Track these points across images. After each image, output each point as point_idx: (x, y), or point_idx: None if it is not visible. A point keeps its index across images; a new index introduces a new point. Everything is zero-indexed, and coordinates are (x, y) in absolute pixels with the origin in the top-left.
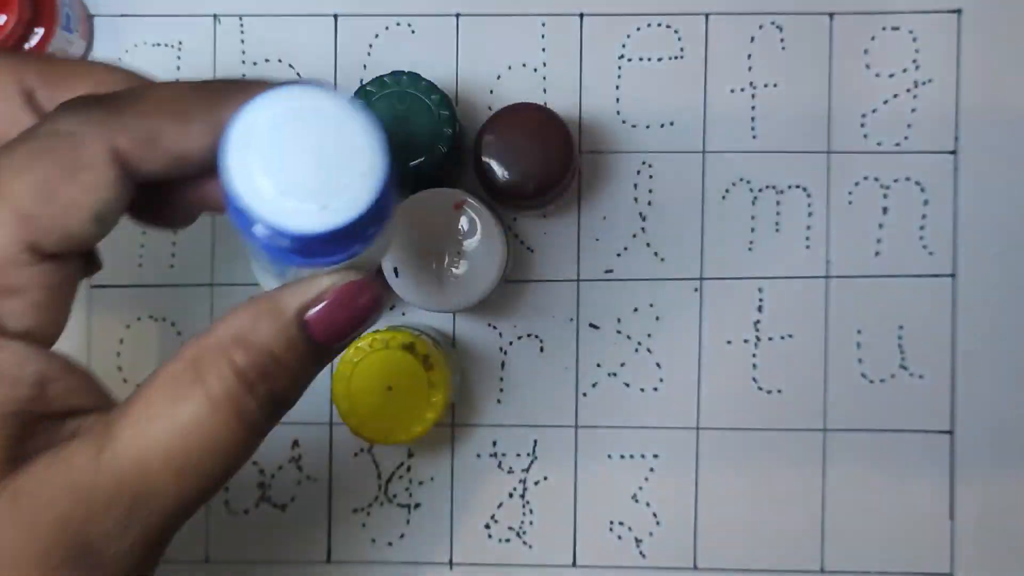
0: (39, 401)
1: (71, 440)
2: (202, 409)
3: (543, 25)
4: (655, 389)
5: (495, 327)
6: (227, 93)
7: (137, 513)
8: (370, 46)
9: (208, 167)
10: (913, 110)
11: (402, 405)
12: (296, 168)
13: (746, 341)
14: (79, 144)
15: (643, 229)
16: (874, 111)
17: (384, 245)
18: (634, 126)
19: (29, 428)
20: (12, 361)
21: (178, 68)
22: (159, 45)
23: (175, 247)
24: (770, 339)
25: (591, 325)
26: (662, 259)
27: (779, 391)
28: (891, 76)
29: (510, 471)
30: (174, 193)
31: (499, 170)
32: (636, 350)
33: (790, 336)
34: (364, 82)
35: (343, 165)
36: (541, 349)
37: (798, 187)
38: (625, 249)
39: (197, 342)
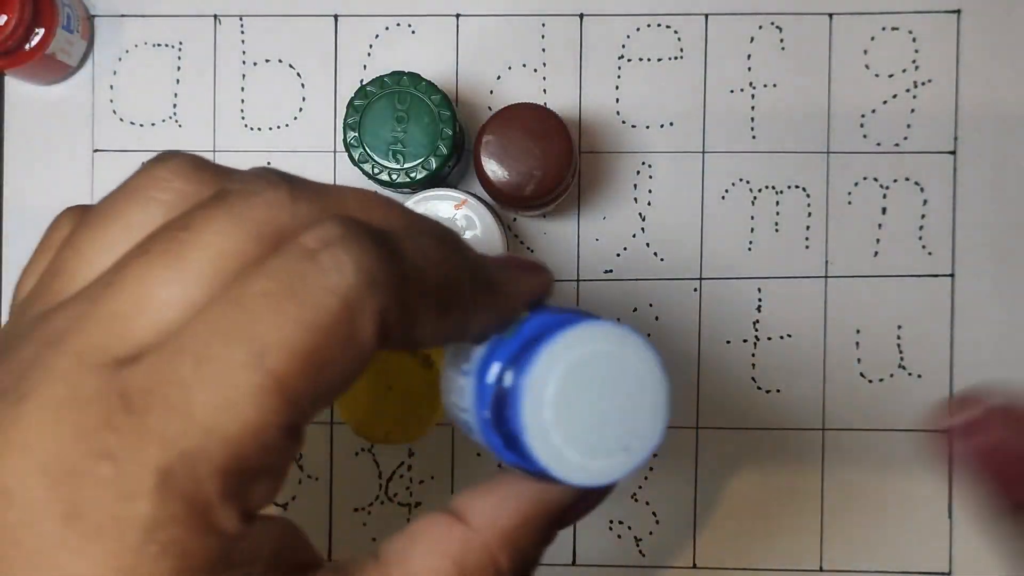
0: (274, 571)
1: None
2: None
3: (543, 26)
4: None
5: None
6: (493, 292)
7: None
8: (370, 46)
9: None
10: (912, 110)
11: (402, 405)
12: (596, 424)
13: (745, 341)
14: (357, 316)
15: (643, 229)
16: (873, 111)
17: None
18: (634, 126)
19: None
20: (254, 546)
21: (178, 68)
22: (159, 45)
23: None
24: (769, 339)
25: None
26: (662, 259)
27: (778, 391)
28: (890, 76)
29: None
30: None
31: (499, 170)
32: None
33: (789, 336)
34: (364, 82)
35: (637, 408)
36: None
37: (797, 187)
38: (625, 249)
39: (461, 536)
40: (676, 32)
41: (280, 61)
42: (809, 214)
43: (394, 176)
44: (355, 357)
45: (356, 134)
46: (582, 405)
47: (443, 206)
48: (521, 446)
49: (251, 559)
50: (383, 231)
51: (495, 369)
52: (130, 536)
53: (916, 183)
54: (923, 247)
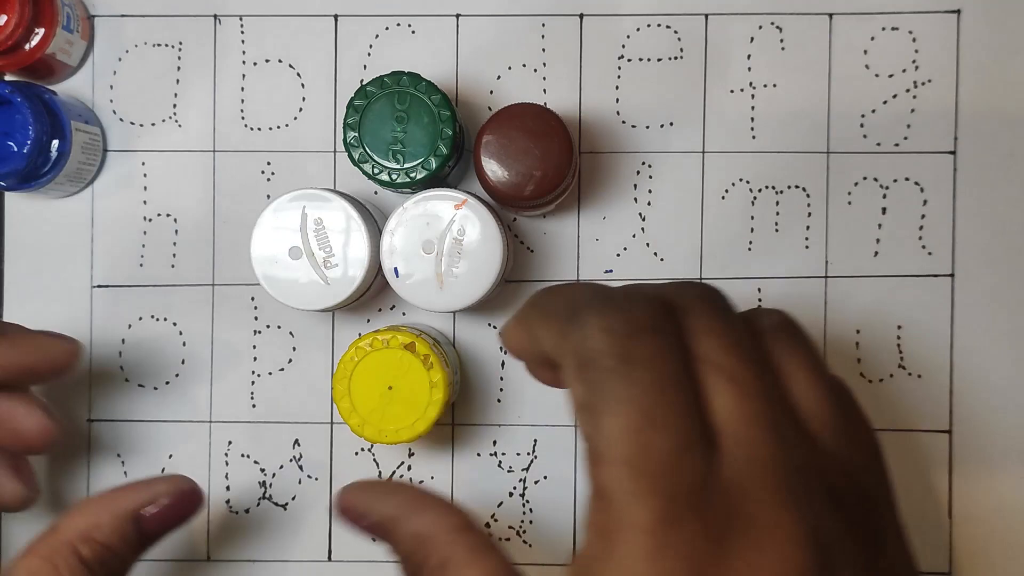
0: None
1: None
2: None
3: (543, 26)
4: None
5: (495, 327)
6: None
7: None
8: (370, 46)
9: None
10: (912, 110)
11: (403, 404)
12: None
13: None
14: None
15: (643, 229)
16: (873, 111)
17: None
18: (634, 126)
19: None
20: None
21: (178, 68)
22: (159, 45)
23: (176, 247)
24: None
25: None
26: (662, 259)
27: None
28: (890, 76)
29: (510, 471)
30: None
31: (499, 170)
32: None
33: None
34: (364, 82)
35: None
36: None
37: (797, 187)
38: (625, 249)
39: (48, 539)
40: (676, 32)
41: (280, 61)
42: (809, 214)
43: (394, 176)
44: None
45: (356, 134)
46: None
47: (443, 206)
48: None
49: None
50: None
51: None
52: None
53: (916, 183)
54: (923, 247)
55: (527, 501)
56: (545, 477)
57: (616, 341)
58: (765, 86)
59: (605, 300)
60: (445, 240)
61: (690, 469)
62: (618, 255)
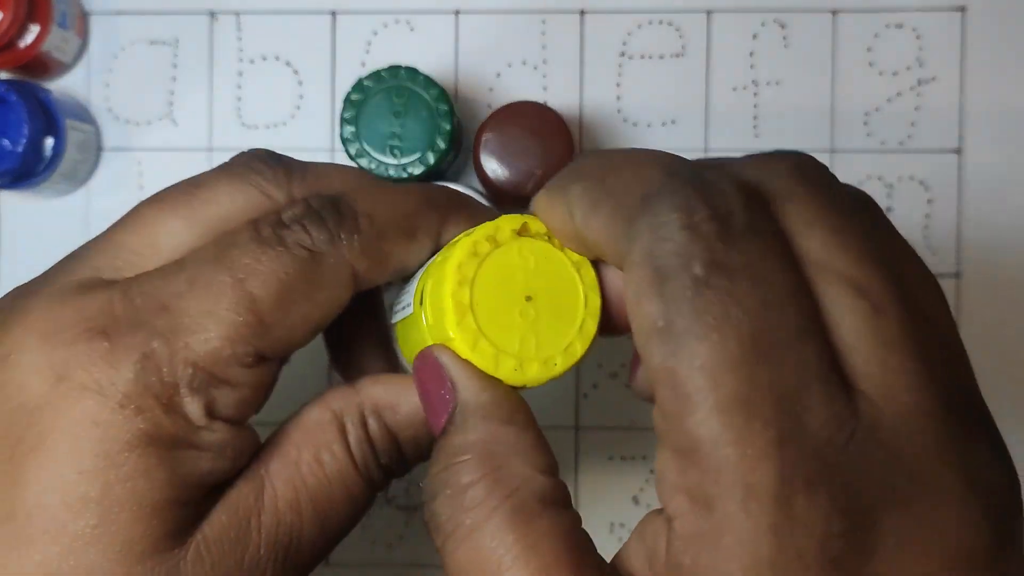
0: (230, 471)
1: (233, 485)
2: (347, 463)
3: (543, 22)
4: None
5: None
6: (450, 211)
7: (289, 559)
8: (368, 43)
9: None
10: (917, 108)
11: (551, 318)
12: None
13: None
14: (324, 264)
15: None
16: (877, 109)
17: None
18: (635, 124)
19: (215, 488)
20: (217, 441)
21: (174, 66)
22: (155, 43)
23: None
24: None
25: None
26: None
27: None
28: (895, 74)
29: None
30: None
31: (499, 169)
32: None
33: None
34: (362, 78)
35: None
36: None
37: None
38: None
39: (345, 396)
40: (678, 29)
41: (277, 58)
42: None
43: (391, 171)
44: (327, 298)
45: (353, 129)
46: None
47: None
48: None
49: (217, 451)
50: (336, 196)
51: None
52: (111, 397)
53: (921, 182)
54: (928, 247)
55: None
56: None
57: (705, 243)
58: (768, 84)
59: (682, 183)
60: None
61: (820, 414)
62: None
